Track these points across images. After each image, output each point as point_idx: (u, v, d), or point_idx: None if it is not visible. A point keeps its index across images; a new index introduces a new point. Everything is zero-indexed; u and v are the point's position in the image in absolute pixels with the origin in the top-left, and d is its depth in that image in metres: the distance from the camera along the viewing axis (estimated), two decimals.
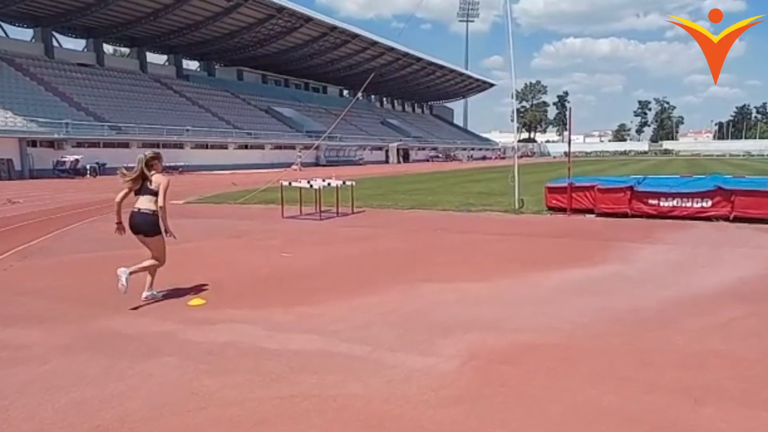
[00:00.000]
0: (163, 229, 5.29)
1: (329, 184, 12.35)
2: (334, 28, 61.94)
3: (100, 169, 35.28)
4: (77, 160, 34.11)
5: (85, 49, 51.08)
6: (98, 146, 37.92)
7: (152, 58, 57.95)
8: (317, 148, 52.30)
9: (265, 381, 3.45)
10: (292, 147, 52.12)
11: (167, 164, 38.95)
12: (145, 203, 5.23)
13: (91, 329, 4.53)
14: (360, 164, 59.75)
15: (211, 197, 17.43)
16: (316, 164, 52.63)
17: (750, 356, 3.77)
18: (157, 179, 5.25)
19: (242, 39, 57.85)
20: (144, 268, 5.31)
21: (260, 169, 42.81)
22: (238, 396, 3.24)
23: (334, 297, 5.43)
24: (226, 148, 48.49)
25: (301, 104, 70.96)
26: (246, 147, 50.72)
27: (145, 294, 5.29)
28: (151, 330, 4.48)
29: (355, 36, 65.45)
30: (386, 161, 68.65)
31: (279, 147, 52.50)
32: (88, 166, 34.28)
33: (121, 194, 5.24)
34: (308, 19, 57.89)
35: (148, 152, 5.40)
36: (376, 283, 6.05)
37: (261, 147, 51.60)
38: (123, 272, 5.07)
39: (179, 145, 43.23)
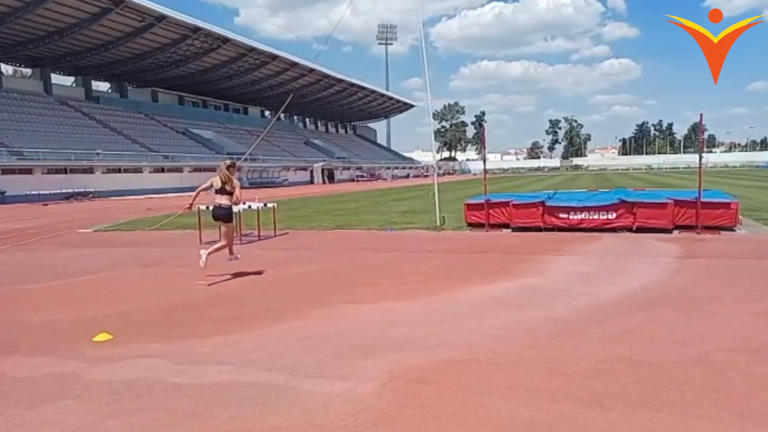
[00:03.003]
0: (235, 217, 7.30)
1: (250, 206, 12.06)
2: (252, 49, 61.34)
3: (1, 198, 32.69)
4: None
5: None
6: None
7: (58, 79, 54.89)
8: (239, 170, 51.17)
9: (175, 419, 3.26)
10: (213, 169, 50.45)
11: (75, 190, 36.86)
12: (224, 200, 7.29)
13: None
14: (284, 185, 59.06)
15: (124, 224, 16.55)
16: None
17: (650, 360, 4.00)
18: (232, 183, 7.27)
19: (156, 59, 56.02)
20: (221, 247, 7.46)
21: (179, 192, 41.25)
22: None
23: (253, 324, 5.26)
24: (141, 171, 46.44)
25: (221, 125, 69.43)
26: (163, 170, 48.83)
27: (229, 257, 7.63)
28: (48, 371, 4.13)
29: (275, 57, 65.09)
30: (311, 182, 68.33)
31: (199, 170, 50.90)
32: None
33: (203, 186, 7.37)
34: (226, 40, 57.03)
35: (228, 161, 7.53)
36: (297, 307, 5.93)
37: (179, 170, 49.87)
38: (204, 253, 7.23)
39: (89, 170, 40.95)
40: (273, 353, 4.40)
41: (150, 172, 47.23)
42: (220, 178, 7.27)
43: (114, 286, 7.51)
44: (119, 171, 44.32)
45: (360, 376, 3.86)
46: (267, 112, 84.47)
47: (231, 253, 7.66)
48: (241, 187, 7.50)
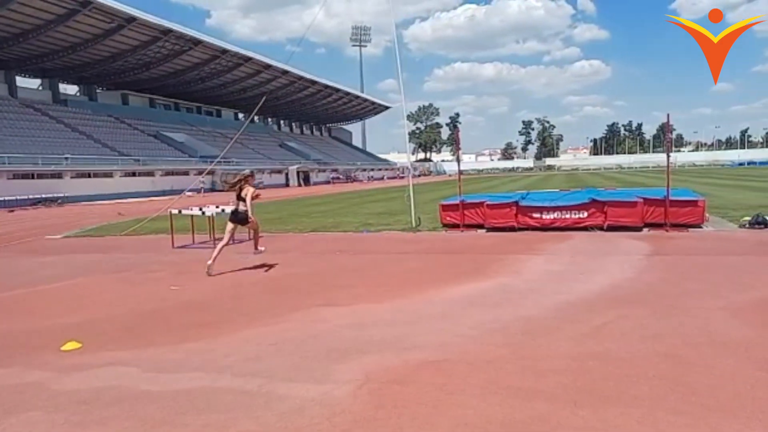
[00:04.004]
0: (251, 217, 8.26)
1: (224, 210, 11.91)
2: (225, 50, 60.65)
3: None
4: None
5: None
6: None
7: (24, 82, 53.42)
8: (212, 173, 50.63)
9: (146, 427, 3.20)
10: (186, 173, 50.09)
11: (43, 196, 35.91)
12: (241, 206, 8.30)
13: None
14: (259, 188, 58.53)
15: (94, 229, 16.20)
16: (212, 190, 50.83)
17: (621, 356, 4.08)
18: (246, 191, 8.22)
19: (126, 62, 54.97)
20: (256, 240, 8.93)
21: (151, 197, 40.58)
22: None
23: (226, 330, 5.20)
24: (112, 176, 45.44)
25: (194, 128, 68.52)
26: (134, 174, 47.89)
27: (256, 251, 8.83)
28: (13, 382, 4.02)
29: (248, 59, 64.48)
30: (286, 184, 67.86)
31: (171, 173, 50.12)
32: None
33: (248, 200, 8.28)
34: (197, 42, 56.29)
35: (247, 171, 8.71)
36: (271, 311, 5.88)
37: (151, 174, 48.96)
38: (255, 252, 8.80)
39: (57, 175, 39.92)
40: (247, 358, 4.35)
41: (121, 177, 46.28)
42: (238, 187, 8.30)
43: (83, 293, 7.35)
44: (89, 176, 43.31)
45: (335, 379, 3.85)
46: (241, 115, 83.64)
47: (256, 247, 8.87)
48: (252, 196, 8.31)
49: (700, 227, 10.93)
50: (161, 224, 14.15)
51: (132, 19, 47.61)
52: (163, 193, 41.48)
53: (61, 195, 36.85)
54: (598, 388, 3.51)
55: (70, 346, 4.82)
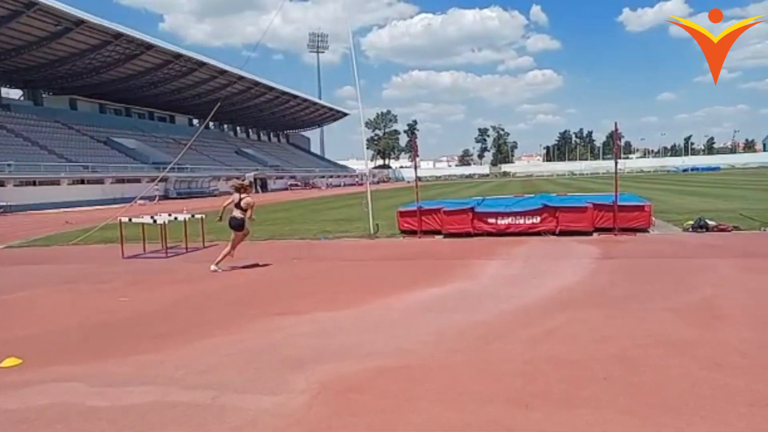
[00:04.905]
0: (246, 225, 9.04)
1: (176, 218, 11.63)
2: (179, 55, 59.34)
3: None
4: None
5: None
6: None
7: None
8: (165, 180, 49.46)
9: None
10: (138, 180, 48.66)
11: None
12: (238, 213, 8.94)
13: None
14: (215, 195, 57.45)
15: (40, 239, 15.51)
16: (165, 197, 49.58)
17: (573, 358, 4.17)
18: (246, 201, 8.92)
19: (74, 66, 53.06)
20: (227, 253, 9.06)
21: (101, 205, 39.22)
22: None
23: (178, 341, 5.06)
24: (59, 184, 43.66)
25: (146, 134, 66.66)
26: (83, 182, 46.19)
27: (216, 266, 8.94)
28: None
29: (203, 64, 63.28)
30: None
31: (122, 180, 48.61)
32: None
33: (226, 203, 9.16)
34: (150, 47, 54.86)
35: (245, 182, 9.21)
36: (226, 321, 5.76)
37: (100, 181, 47.33)
38: (213, 268, 8.87)
39: (0, 183, 38.09)
40: (199, 370, 4.24)
41: (69, 184, 44.51)
42: (237, 196, 8.94)
43: (27, 306, 7.02)
44: (34, 183, 41.46)
45: (290, 389, 3.79)
46: (195, 120, 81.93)
47: (223, 258, 9.03)
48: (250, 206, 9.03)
49: (647, 231, 11.34)
50: (111, 233, 13.69)
51: (80, 22, 46.04)
52: (114, 201, 40.13)
53: (4, 204, 35.18)
54: (551, 391, 3.57)
55: (9, 362, 4.59)
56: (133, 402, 3.67)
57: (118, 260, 10.70)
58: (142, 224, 11.56)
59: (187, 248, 11.66)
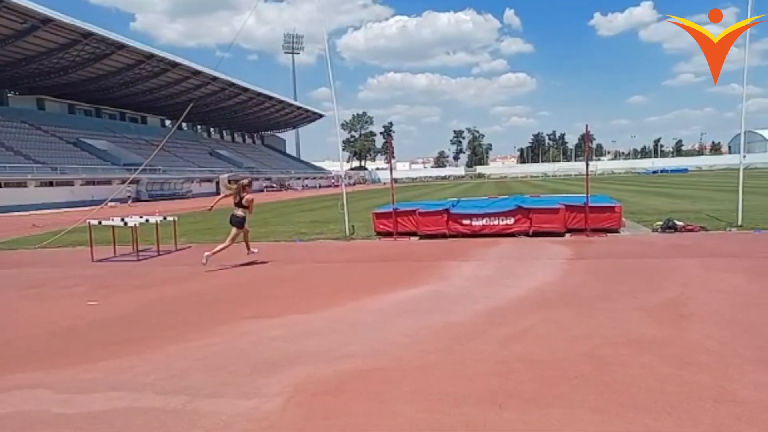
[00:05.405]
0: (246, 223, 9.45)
1: (147, 220, 11.42)
2: (151, 55, 58.42)
3: None
4: None
5: None
6: None
7: None
8: (137, 182, 48.61)
9: None
10: (108, 182, 47.73)
11: None
12: (239, 211, 9.31)
13: None
14: (188, 197, 56.68)
15: (5, 243, 15.08)
16: (138, 199, 48.70)
17: (544, 358, 4.22)
18: (246, 198, 9.27)
19: (42, 65, 51.82)
20: (221, 249, 9.35)
21: (70, 207, 38.35)
22: None
23: (148, 346, 4.96)
24: (26, 186, 42.54)
25: (117, 135, 65.43)
26: (51, 184, 45.09)
27: (254, 250, 9.81)
28: None
29: (176, 64, 62.42)
30: (217, 193, 65.94)
31: (92, 182, 47.61)
32: None
33: (222, 195, 9.59)
34: (121, 46, 53.90)
35: (245, 181, 9.53)
36: (198, 325, 5.67)
37: (69, 183, 46.29)
38: (206, 255, 9.18)
39: None
40: (170, 375, 4.17)
41: (36, 186, 43.40)
42: (238, 194, 9.26)
43: None
44: (0, 185, 40.40)
45: (263, 393, 3.76)
46: (168, 121, 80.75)
47: (214, 252, 9.29)
48: (250, 202, 9.44)
49: (618, 232, 11.56)
50: (80, 236, 13.39)
51: (48, 20, 44.98)
52: (84, 203, 39.27)
53: None
54: (523, 390, 3.61)
55: None
56: (101, 408, 3.59)
57: (88, 264, 10.47)
58: (113, 227, 11.33)
59: (159, 251, 11.46)
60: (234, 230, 9.39)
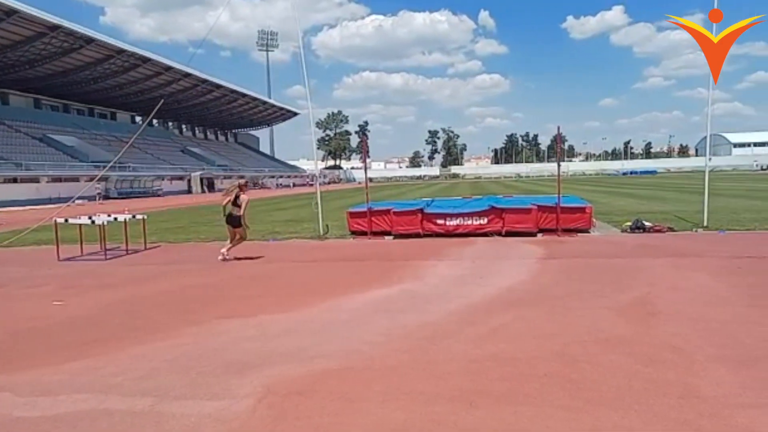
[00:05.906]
0: (243, 223, 9.60)
1: (116, 218, 11.18)
2: (122, 50, 57.23)
3: None
4: None
5: None
6: None
7: None
8: (106, 179, 47.61)
9: None
10: (76, 179, 46.59)
11: None
12: (235, 210, 9.54)
13: None
14: (159, 195, 55.70)
15: None
16: (107, 197, 47.67)
17: (515, 356, 4.26)
18: (242, 198, 9.53)
19: (6, 58, 50.29)
20: (233, 246, 9.77)
21: (35, 205, 37.32)
22: None
23: (115, 347, 4.85)
24: None
25: (86, 132, 63.93)
26: (15, 180, 43.83)
27: (223, 251, 9.71)
28: None
29: (147, 60, 61.28)
30: (189, 191, 65.06)
31: (59, 179, 46.42)
32: None
33: (224, 201, 9.69)
34: (90, 40, 52.64)
35: (242, 181, 9.94)
36: (167, 325, 5.57)
37: (35, 180, 45.07)
38: (223, 252, 9.65)
39: None
40: (137, 376, 4.08)
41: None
42: (234, 194, 9.53)
43: None
44: None
45: (234, 393, 3.70)
46: (138, 118, 79.18)
47: (228, 251, 9.73)
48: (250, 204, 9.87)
49: (588, 232, 11.76)
50: (45, 235, 13.04)
51: (12, 12, 43.65)
52: (50, 201, 38.31)
53: None
54: (494, 388, 3.64)
55: None
56: (65, 411, 3.50)
57: (53, 263, 10.19)
58: (80, 225, 11.05)
59: (127, 250, 11.23)
60: (232, 229, 9.73)
